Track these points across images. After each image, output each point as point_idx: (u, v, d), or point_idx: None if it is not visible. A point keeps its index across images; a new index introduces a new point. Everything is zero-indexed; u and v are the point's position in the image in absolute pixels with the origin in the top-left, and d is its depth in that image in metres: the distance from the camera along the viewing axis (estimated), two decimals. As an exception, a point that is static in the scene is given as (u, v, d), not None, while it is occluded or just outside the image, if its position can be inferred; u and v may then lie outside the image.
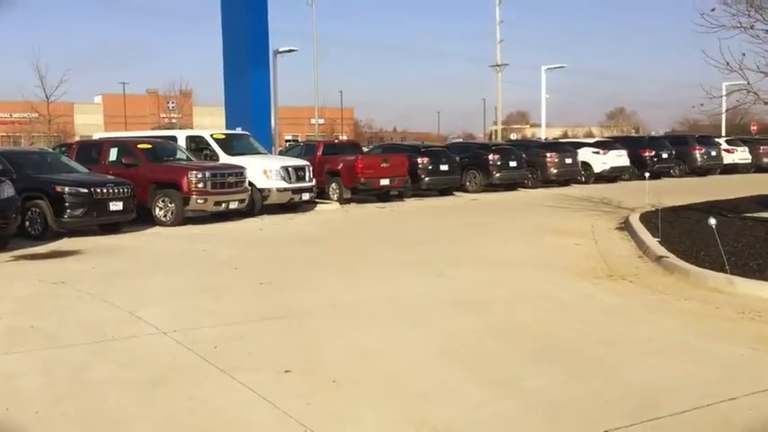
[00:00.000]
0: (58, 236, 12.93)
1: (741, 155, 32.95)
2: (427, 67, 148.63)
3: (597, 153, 27.24)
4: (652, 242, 10.72)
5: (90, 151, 16.99)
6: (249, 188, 16.42)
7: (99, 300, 7.95)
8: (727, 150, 32.51)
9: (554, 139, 40.95)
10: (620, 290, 8.19)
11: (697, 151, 30.88)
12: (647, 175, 17.75)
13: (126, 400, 4.92)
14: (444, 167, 22.24)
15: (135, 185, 14.22)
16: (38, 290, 8.59)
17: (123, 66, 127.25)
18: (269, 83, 22.04)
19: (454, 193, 22.84)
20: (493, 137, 72.18)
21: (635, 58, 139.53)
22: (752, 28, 10.01)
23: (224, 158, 17.32)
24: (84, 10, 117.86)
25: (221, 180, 15.59)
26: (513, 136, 74.45)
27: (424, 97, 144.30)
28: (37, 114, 47.83)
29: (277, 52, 25.74)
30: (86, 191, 13.16)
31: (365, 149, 25.12)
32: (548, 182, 25.54)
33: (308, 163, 18.33)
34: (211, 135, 18.08)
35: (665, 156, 29.45)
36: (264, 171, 17.07)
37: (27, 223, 12.89)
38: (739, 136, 38.89)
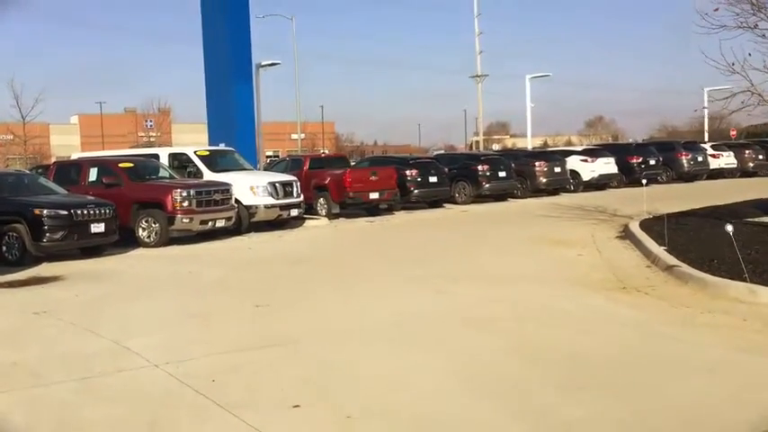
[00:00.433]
0: (37, 261, 12.30)
1: (727, 160, 32.94)
2: (407, 79, 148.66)
3: (586, 161, 27.03)
4: (659, 251, 10.34)
5: (69, 172, 16.40)
6: (236, 205, 15.90)
7: (84, 330, 7.39)
8: (713, 155, 32.48)
9: (534, 148, 40.74)
10: (637, 303, 7.77)
11: (684, 157, 30.79)
12: (644, 182, 17.45)
13: (118, 448, 4.39)
14: (433, 179, 21.86)
15: (117, 206, 13.64)
16: (18, 321, 8.01)
17: (100, 85, 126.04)
18: (252, 97, 21.54)
19: (444, 204, 22.44)
20: (473, 148, 72.10)
21: (613, 66, 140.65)
22: (756, 27, 9.73)
23: (208, 175, 16.80)
24: (59, 30, 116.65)
25: (207, 198, 15.05)
26: (496, 146, 74.40)
27: (405, 110, 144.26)
28: (12, 136, 46.90)
29: (259, 66, 25.27)
30: (66, 213, 12.57)
31: (352, 163, 24.68)
32: (537, 191, 25.24)
33: (295, 178, 17.84)
34: (195, 152, 17.54)
35: (652, 162, 29.30)
36: (251, 187, 16.56)
37: (4, 248, 12.30)
38: (725, 141, 38.99)
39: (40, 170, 17.93)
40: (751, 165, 34.03)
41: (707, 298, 7.80)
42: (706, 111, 52.02)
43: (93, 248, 13.26)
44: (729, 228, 8.38)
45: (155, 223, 14.54)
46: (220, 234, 15.50)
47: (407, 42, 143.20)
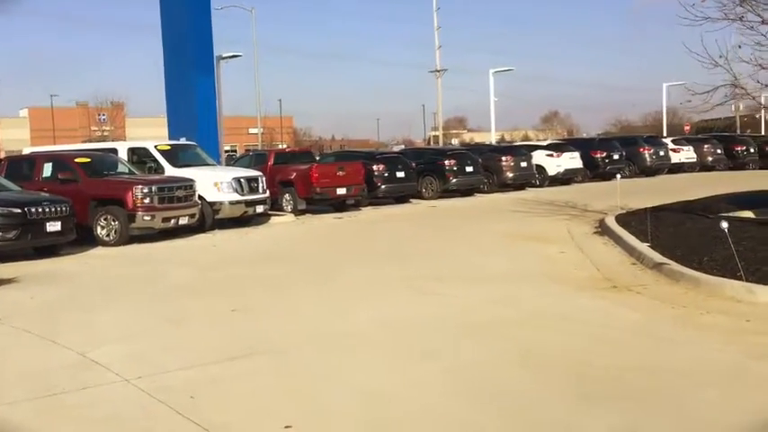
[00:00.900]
0: (-13, 262, 11.53)
1: (687, 154, 33.26)
2: (365, 73, 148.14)
3: (551, 156, 26.94)
4: (643, 248, 10.10)
5: (21, 167, 15.54)
6: (199, 202, 15.26)
7: (42, 339, 6.77)
8: (674, 150, 32.77)
9: (491, 143, 40.60)
10: (632, 303, 7.46)
11: (646, 151, 30.97)
12: (618, 176, 17.31)
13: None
14: (400, 174, 21.47)
15: (74, 203, 12.92)
16: (-33, 330, 7.33)
17: (51, 78, 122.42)
18: (214, 90, 20.81)
19: (410, 200, 22.08)
20: (431, 142, 71.97)
21: (568, 61, 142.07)
22: (741, 20, 9.53)
23: (170, 171, 16.11)
24: (8, 19, 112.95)
25: (169, 194, 14.38)
26: (455, 141, 74.46)
27: (363, 104, 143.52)
28: (-42, 130, 44.99)
29: (220, 58, 24.50)
30: (20, 210, 11.83)
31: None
32: (503, 186, 25.02)
33: (260, 173, 17.26)
34: (156, 146, 16.81)
35: (615, 157, 29.38)
36: (215, 183, 15.92)
37: (-49, 249, 11.48)
38: (684, 136, 39.48)
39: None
40: (710, 159, 34.46)
41: (702, 297, 7.54)
42: (664, 105, 52.96)
43: (49, 248, 12.52)
44: (725, 224, 8.15)
45: (114, 221, 13.84)
46: (183, 232, 14.85)
47: (367, 36, 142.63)
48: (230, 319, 7.33)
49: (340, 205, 19.73)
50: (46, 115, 70.89)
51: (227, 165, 22.07)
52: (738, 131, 55.23)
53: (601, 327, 6.54)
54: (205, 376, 5.52)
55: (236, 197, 16.09)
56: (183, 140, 18.70)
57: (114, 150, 16.84)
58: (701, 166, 33.85)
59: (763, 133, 49.49)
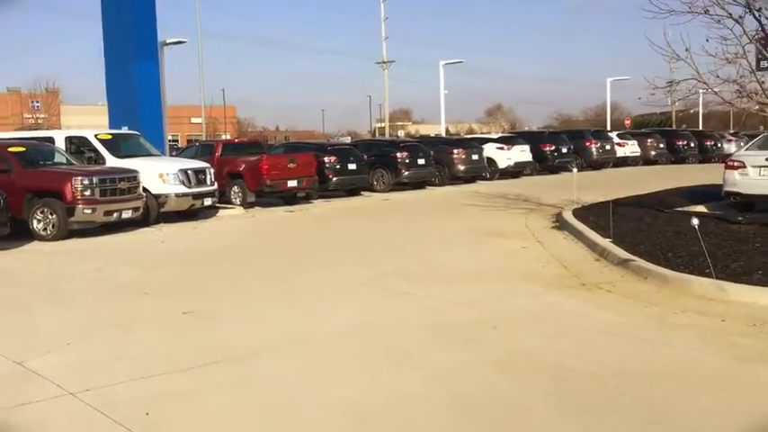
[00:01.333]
0: None
1: (631, 148, 33.82)
2: (310, 63, 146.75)
3: (502, 149, 26.94)
4: (606, 243, 9.97)
5: (-52, 157, 14.50)
6: (144, 194, 14.54)
7: (-25, 348, 6.15)
8: (619, 144, 33.26)
9: (438, 135, 40.49)
10: (604, 302, 7.27)
11: (593, 145, 31.30)
12: (574, 170, 17.32)
13: None
14: (352, 166, 21.05)
15: (7, 195, 12.10)
16: None
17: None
18: (158, 76, 19.93)
19: (362, 193, 21.70)
20: (377, 134, 71.62)
21: (511, 55, 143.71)
22: (706, 13, 9.44)
23: (111, 162, 15.33)
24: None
25: (111, 186, 13.64)
26: (401, 133, 74.28)
27: (307, 95, 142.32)
28: None
29: (164, 44, 23.57)
30: (-53, 204, 10.98)
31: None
32: (454, 179, 24.87)
33: (208, 165, 16.60)
34: (96, 135, 15.97)
35: (564, 150, 29.58)
36: (160, 175, 15.22)
37: None
38: (628, 130, 40.12)
39: None
40: (653, 153, 35.15)
41: (672, 295, 7.40)
42: (608, 100, 53.84)
43: (-19, 244, 11.69)
44: (695, 221, 8.03)
45: (52, 214, 13.04)
46: (127, 226, 14.13)
47: (312, 25, 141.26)
48: (183, 323, 6.83)
49: (291, 198, 19.21)
50: (-26, 102, 67.72)
51: (171, 155, 21.29)
52: (674, 126, 56.66)
53: (576, 328, 6.30)
54: (160, 389, 5.05)
55: (183, 189, 15.43)
56: (125, 129, 17.87)
57: (51, 139, 15.93)
58: (644, 159, 34.50)
59: (700, 128, 50.78)
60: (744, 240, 9.29)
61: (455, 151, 24.73)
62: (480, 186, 23.70)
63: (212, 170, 16.52)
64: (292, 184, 18.51)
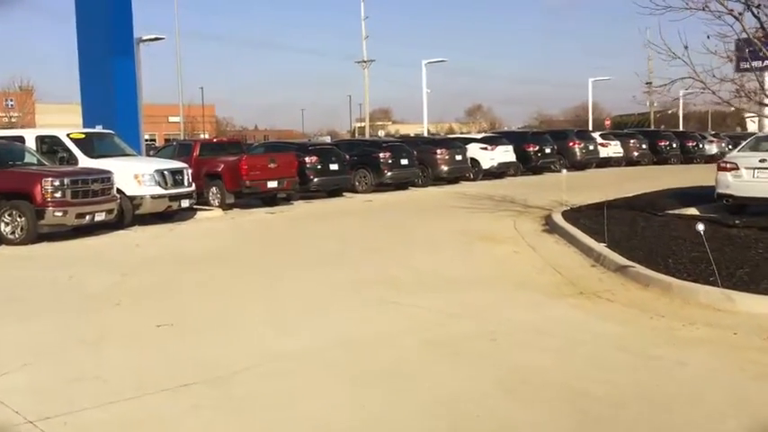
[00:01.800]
0: None
1: (614, 149, 33.66)
2: (289, 63, 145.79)
3: (485, 149, 26.58)
4: (601, 248, 9.59)
5: None
6: (118, 196, 13.96)
7: (-74, 367, 5.60)
8: (602, 144, 33.08)
9: (416, 135, 40.10)
10: (606, 313, 6.87)
11: (576, 146, 31.06)
12: (564, 171, 16.91)
13: None
14: (334, 167, 20.56)
15: (-27, 197, 11.50)
16: None
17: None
18: (134, 74, 19.27)
19: (344, 194, 21.22)
20: (357, 134, 71.13)
21: (492, 54, 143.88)
22: (704, 9, 9.11)
23: (84, 162, 14.72)
24: None
25: (84, 188, 13.05)
26: (381, 133, 73.88)
27: (287, 94, 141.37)
28: None
29: (140, 41, 22.89)
30: None
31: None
32: (437, 180, 24.48)
33: (185, 165, 16.03)
34: (68, 135, 15.34)
35: (548, 150, 29.30)
36: (136, 176, 14.63)
37: None
38: (611, 130, 40.02)
39: None
40: (635, 154, 35.03)
41: (677, 304, 7.03)
42: (590, 100, 53.83)
43: (-57, 249, 11.08)
44: (701, 227, 7.65)
45: (20, 217, 12.43)
46: (100, 229, 13.55)
47: (292, 24, 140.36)
48: (157, 338, 6.32)
49: (271, 199, 18.69)
50: (-55, 100, 66.13)
51: (148, 155, 20.67)
52: (653, 127, 56.86)
53: (581, 343, 5.89)
54: (131, 416, 4.56)
55: (159, 191, 14.86)
56: (99, 129, 17.22)
57: (21, 139, 15.27)
58: (627, 160, 34.36)
59: (681, 129, 50.94)
60: (746, 246, 8.96)
61: (438, 151, 24.32)
62: (464, 187, 23.32)
63: (190, 171, 15.95)
64: (273, 184, 17.98)
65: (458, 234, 12.30)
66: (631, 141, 35.16)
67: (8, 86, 61.26)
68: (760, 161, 12.41)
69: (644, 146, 35.63)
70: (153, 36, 24.10)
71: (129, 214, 14.45)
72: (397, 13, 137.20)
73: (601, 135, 34.47)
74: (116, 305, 7.61)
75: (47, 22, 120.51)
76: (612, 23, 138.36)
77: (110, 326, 6.77)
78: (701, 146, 37.88)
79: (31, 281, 9.19)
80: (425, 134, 36.36)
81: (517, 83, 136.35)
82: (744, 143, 14.52)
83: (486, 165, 26.38)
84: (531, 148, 28.69)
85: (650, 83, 64.75)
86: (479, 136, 29.93)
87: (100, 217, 13.27)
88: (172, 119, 67.74)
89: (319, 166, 20.15)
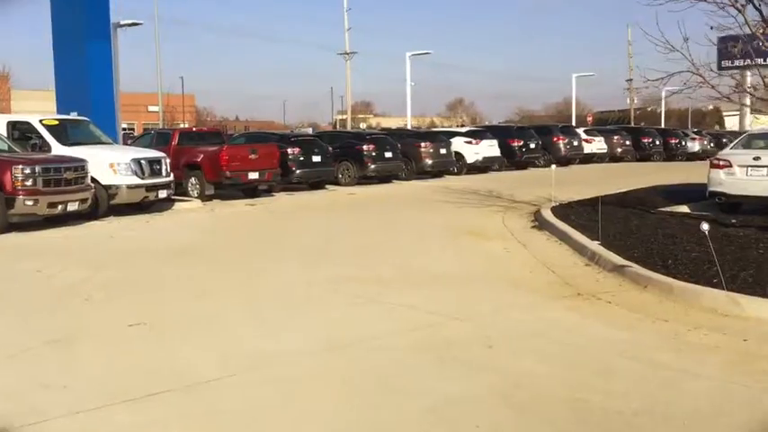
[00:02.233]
0: None
1: (598, 144, 33.53)
2: (271, 53, 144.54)
3: (470, 143, 26.24)
4: (595, 246, 9.26)
5: None
6: (92, 185, 13.42)
7: None
8: (586, 140, 32.92)
9: (398, 128, 39.68)
10: (607, 316, 6.53)
11: (561, 141, 30.87)
12: (553, 167, 16.58)
13: None
14: (317, 159, 20.11)
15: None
16: None
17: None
18: (111, 60, 18.65)
19: (326, 186, 20.78)
20: (338, 126, 70.56)
21: (474, 48, 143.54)
22: (707, 0, 8.78)
23: (58, 149, 14.17)
24: None
25: (56, 176, 12.52)
26: (363, 125, 73.39)
27: (268, 85, 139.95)
28: None
29: (117, 26, 22.22)
30: None
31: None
32: (421, 173, 24.11)
33: (164, 155, 15.51)
34: (41, 121, 14.76)
35: (532, 146, 29.06)
36: (111, 164, 14.10)
37: None
38: (595, 126, 39.90)
39: None
40: (619, 150, 34.95)
41: (681, 308, 6.69)
42: (573, 96, 53.75)
43: None
44: (705, 227, 7.31)
45: (-11, 206, 11.87)
46: (73, 219, 13.01)
47: (273, 14, 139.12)
48: (128, 338, 5.87)
49: (251, 191, 18.21)
50: None
51: (126, 144, 20.07)
52: (632, 123, 56.95)
53: (583, 349, 5.53)
54: (99, 427, 4.13)
55: (136, 180, 14.34)
56: (73, 115, 16.61)
57: (-9, 124, 14.67)
58: (610, 156, 34.26)
59: (663, 126, 51.02)
60: (746, 246, 8.66)
61: (423, 145, 23.95)
62: (449, 181, 22.98)
63: (168, 160, 15.44)
64: (254, 176, 17.49)
65: (445, 229, 11.93)
66: (615, 137, 35.07)
67: (-18, 72, 59.91)
68: (754, 159, 12.17)
69: (627, 142, 35.56)
70: (131, 21, 23.42)
71: (103, 204, 13.94)
72: (379, 6, 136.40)
73: (585, 131, 34.32)
74: (86, 301, 7.14)
75: (23, 3, 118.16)
76: (597, 20, 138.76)
77: (77, 324, 6.30)
78: (683, 143, 37.91)
79: (-3, 274, 8.67)
80: (409, 127, 35.89)
81: (500, 78, 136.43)
82: (736, 140, 14.29)
83: (470, 159, 26.05)
84: (516, 143, 28.43)
85: (631, 80, 65.11)
86: (464, 130, 29.58)
87: (73, 207, 12.74)
88: (151, 108, 66.74)
89: (302, 158, 19.69)
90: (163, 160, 15.14)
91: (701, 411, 4.36)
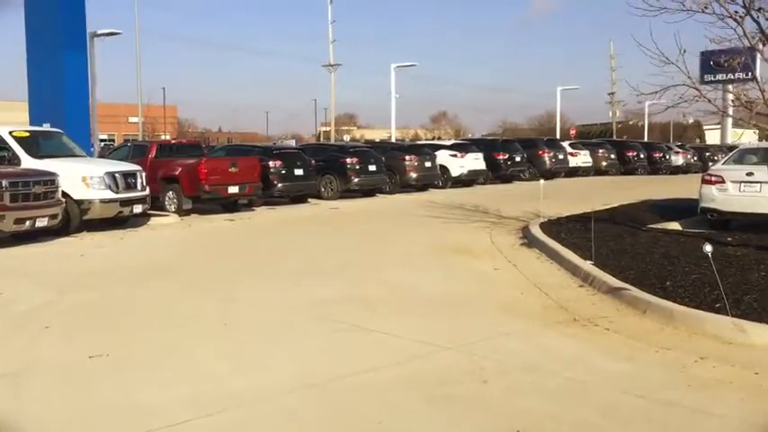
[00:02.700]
0: None
1: (583, 158, 33.38)
2: (254, 65, 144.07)
3: (455, 156, 25.92)
4: (589, 267, 8.86)
5: None
6: (63, 200, 12.86)
7: None
8: (572, 154, 32.75)
9: (381, 141, 39.35)
10: (605, 345, 6.11)
11: (546, 154, 30.66)
12: (541, 181, 16.23)
13: None
14: (299, 172, 19.65)
15: None
16: None
17: None
18: (86, 70, 18.09)
19: (308, 200, 20.32)
20: (321, 138, 70.13)
21: (458, 61, 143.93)
22: (704, 11, 8.47)
23: (28, 162, 13.59)
24: None
25: (24, 190, 11.97)
26: (347, 137, 73.04)
27: (251, 97, 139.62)
28: None
29: (94, 35, 21.68)
30: None
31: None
32: (405, 187, 23.73)
33: (139, 168, 14.98)
34: (11, 132, 14.16)
35: (518, 159, 28.81)
36: (83, 178, 13.55)
37: None
38: (580, 140, 39.80)
39: None
40: (604, 164, 34.84)
41: (683, 335, 6.29)
42: (558, 109, 53.77)
43: None
44: (708, 248, 6.92)
45: (-48, 222, 11.28)
46: (42, 235, 12.44)
47: (257, 26, 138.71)
48: (88, 373, 5.36)
49: (231, 205, 17.68)
50: None
51: (102, 156, 19.48)
52: (615, 137, 57.08)
53: (586, 385, 5.09)
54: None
55: (110, 195, 13.79)
56: (46, 127, 16.05)
57: (-42, 136, 14.07)
58: (595, 170, 34.11)
59: (646, 140, 51.12)
60: (747, 267, 8.28)
61: (407, 158, 23.58)
62: (434, 195, 22.59)
63: (144, 173, 14.91)
64: (234, 190, 16.98)
65: (432, 247, 11.49)
66: (600, 151, 34.96)
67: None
68: (747, 174, 11.88)
69: (612, 156, 35.48)
70: (108, 31, 22.85)
71: (75, 220, 13.38)
72: (365, 18, 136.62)
73: (570, 144, 34.16)
74: (45, 329, 6.61)
75: None
76: (578, 34, 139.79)
77: (34, 356, 5.78)
78: (667, 157, 37.90)
79: (-46, 297, 8.10)
80: (393, 140, 35.53)
81: (483, 91, 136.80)
82: (728, 156, 14.01)
83: (455, 172, 25.72)
84: (501, 157, 28.15)
85: (613, 93, 65.34)
86: (449, 143, 29.27)
87: (42, 223, 12.18)
88: (132, 119, 65.96)
89: (283, 171, 19.23)
90: (138, 173, 14.61)
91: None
